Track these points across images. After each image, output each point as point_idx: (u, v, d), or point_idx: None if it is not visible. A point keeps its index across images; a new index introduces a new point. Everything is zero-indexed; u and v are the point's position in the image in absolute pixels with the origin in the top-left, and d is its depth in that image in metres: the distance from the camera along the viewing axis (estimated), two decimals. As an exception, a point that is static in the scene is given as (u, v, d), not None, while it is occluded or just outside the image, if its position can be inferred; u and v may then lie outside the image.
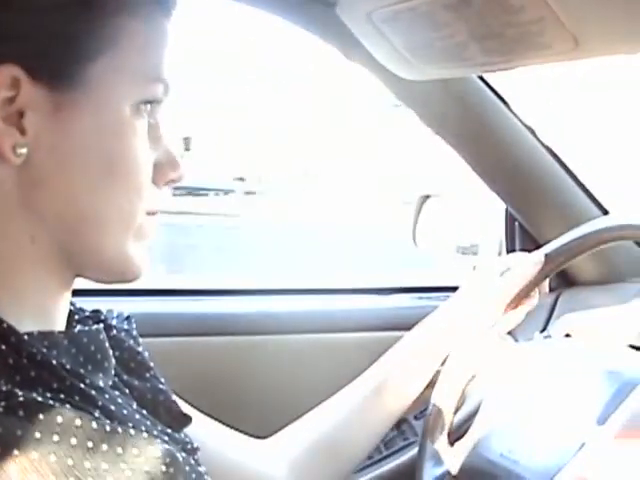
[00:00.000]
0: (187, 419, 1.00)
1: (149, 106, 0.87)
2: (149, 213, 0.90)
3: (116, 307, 1.08)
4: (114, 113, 0.84)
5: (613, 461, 0.90)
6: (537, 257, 1.31)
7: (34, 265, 0.85)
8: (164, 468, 0.77)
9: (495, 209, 1.92)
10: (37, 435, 0.72)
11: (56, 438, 0.73)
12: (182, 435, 0.98)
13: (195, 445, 0.97)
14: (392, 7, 1.15)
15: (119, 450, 0.75)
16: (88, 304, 1.03)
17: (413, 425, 1.82)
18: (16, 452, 0.71)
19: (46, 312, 0.87)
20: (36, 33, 0.81)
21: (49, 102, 0.81)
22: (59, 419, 0.73)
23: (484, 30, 1.07)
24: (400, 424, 1.82)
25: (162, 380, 1.02)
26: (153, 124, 0.89)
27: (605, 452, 0.91)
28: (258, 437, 1.27)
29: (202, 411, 1.16)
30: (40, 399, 0.74)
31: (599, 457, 0.92)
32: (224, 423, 1.22)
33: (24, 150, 0.81)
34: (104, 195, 0.85)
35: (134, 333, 1.03)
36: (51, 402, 0.75)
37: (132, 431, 0.78)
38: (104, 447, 0.74)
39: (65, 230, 0.85)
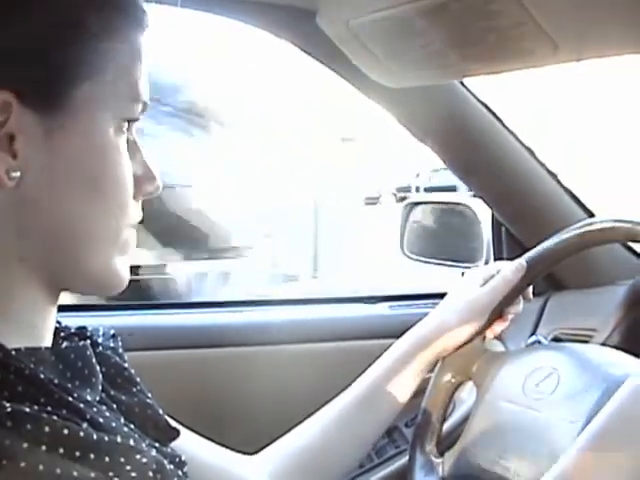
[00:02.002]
0: (175, 432, 1.01)
1: (128, 123, 0.89)
2: (131, 227, 0.92)
3: (104, 321, 1.08)
4: (100, 134, 0.86)
5: (579, 474, 0.90)
6: (519, 264, 1.31)
7: (22, 283, 0.86)
8: (151, 474, 0.79)
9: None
10: (25, 445, 0.72)
11: (44, 448, 0.73)
12: (170, 449, 0.98)
13: (183, 458, 0.98)
14: (371, 15, 1.16)
15: (106, 459, 0.76)
16: (75, 320, 1.03)
17: (404, 433, 1.82)
18: (4, 462, 0.71)
19: (33, 328, 0.87)
20: (26, 59, 0.82)
21: (38, 125, 0.83)
22: (47, 429, 0.74)
23: (463, 36, 1.07)
24: (391, 432, 1.82)
25: (149, 394, 1.02)
26: (131, 140, 0.91)
27: (573, 464, 0.91)
28: (245, 448, 1.27)
29: (189, 423, 1.15)
30: (28, 410, 0.74)
31: (568, 469, 0.91)
32: (211, 435, 1.22)
33: (17, 174, 0.82)
34: (92, 213, 0.86)
35: (120, 350, 1.04)
36: (38, 413, 0.75)
37: (119, 439, 0.78)
38: (91, 456, 0.75)
39: (53, 248, 0.86)
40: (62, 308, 0.94)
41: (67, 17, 0.83)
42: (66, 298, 0.94)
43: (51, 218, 0.85)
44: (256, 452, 1.28)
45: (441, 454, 1.27)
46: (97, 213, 0.86)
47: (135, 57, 0.89)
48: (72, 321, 1.02)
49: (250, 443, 1.31)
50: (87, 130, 0.85)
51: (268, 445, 1.29)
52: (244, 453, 1.26)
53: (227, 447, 1.24)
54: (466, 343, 1.30)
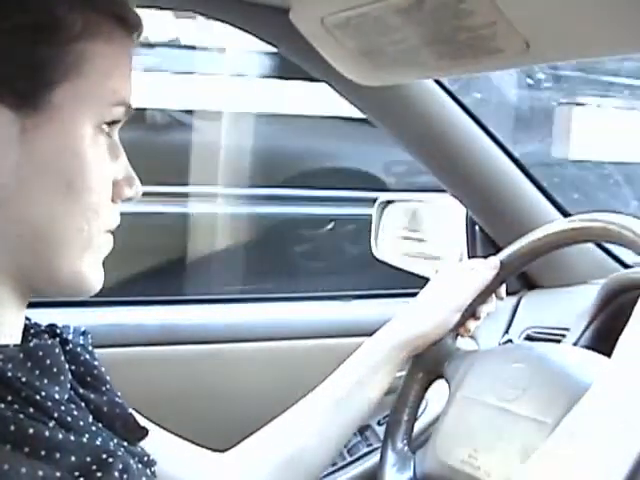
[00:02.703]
0: (143, 432, 1.00)
1: (110, 125, 0.89)
2: (107, 231, 0.91)
3: (75, 318, 1.07)
4: (77, 136, 0.85)
5: (548, 475, 0.91)
6: (493, 262, 1.31)
7: None
8: (117, 474, 0.79)
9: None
10: None
11: (9, 447, 0.74)
12: (139, 448, 0.98)
13: (151, 458, 0.97)
14: (345, 13, 1.16)
15: (72, 458, 0.77)
16: (47, 316, 1.03)
17: (376, 431, 1.82)
18: None
19: (1, 326, 0.87)
20: (2, 59, 0.81)
21: (14, 125, 0.82)
22: (12, 428, 0.75)
23: (436, 34, 1.08)
24: (363, 430, 1.83)
25: (118, 393, 1.02)
26: (112, 142, 0.90)
27: (542, 465, 0.92)
28: (218, 446, 1.26)
29: (161, 421, 1.15)
30: None
31: (537, 469, 0.92)
32: (183, 433, 1.21)
33: None
34: (64, 216, 0.86)
35: (90, 348, 1.03)
36: (4, 412, 0.75)
37: (85, 440, 0.78)
38: (57, 455, 0.76)
39: (24, 250, 0.85)
40: (32, 304, 0.93)
41: (45, 17, 0.83)
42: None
43: (22, 218, 0.84)
44: (228, 449, 1.28)
45: (413, 452, 1.27)
46: (69, 216, 0.86)
47: (119, 60, 0.89)
48: (45, 317, 1.02)
49: (223, 440, 1.31)
50: (63, 131, 0.84)
51: (241, 442, 1.29)
52: (216, 451, 1.26)
53: (199, 444, 1.24)
54: (438, 341, 1.30)
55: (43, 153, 0.83)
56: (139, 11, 0.92)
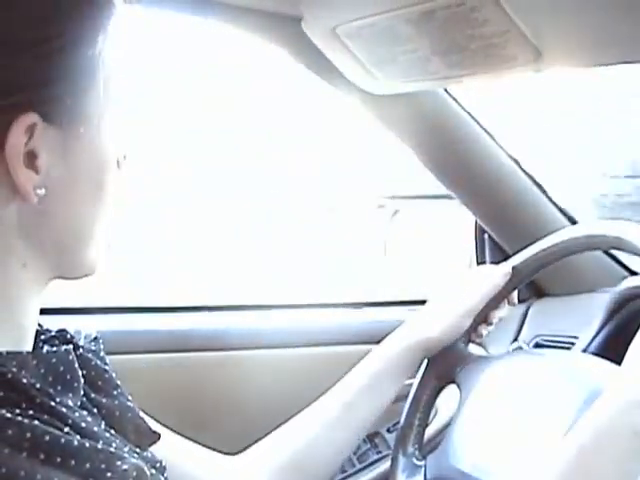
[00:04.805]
0: (155, 436, 1.00)
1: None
2: None
3: (87, 325, 1.08)
4: (103, 138, 0.87)
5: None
6: (505, 269, 1.31)
7: (20, 289, 0.86)
8: None
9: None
10: (6, 451, 0.72)
11: (25, 454, 0.73)
12: (150, 453, 0.98)
13: (164, 463, 0.97)
14: (356, 22, 1.16)
15: (87, 465, 0.76)
16: (58, 323, 1.03)
17: (386, 438, 1.82)
18: None
19: (18, 331, 0.87)
20: (52, 79, 0.82)
21: (59, 141, 0.83)
22: (28, 435, 0.74)
23: (447, 44, 1.08)
24: (373, 437, 1.82)
25: (129, 398, 1.02)
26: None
27: (552, 474, 0.92)
28: (230, 452, 1.27)
29: (173, 427, 1.15)
30: (9, 415, 0.74)
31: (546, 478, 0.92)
32: (195, 439, 1.22)
33: (42, 191, 0.82)
34: (96, 217, 0.89)
35: (101, 354, 1.03)
36: (20, 418, 0.75)
37: (100, 446, 0.78)
38: (72, 462, 0.75)
39: (58, 252, 0.87)
40: (43, 311, 0.94)
41: (82, 35, 0.83)
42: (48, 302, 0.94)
43: (60, 225, 0.86)
44: (239, 454, 1.28)
45: (424, 457, 1.28)
46: (99, 215, 0.89)
47: (114, 54, 0.89)
48: (57, 324, 1.02)
49: (234, 445, 1.31)
50: (94, 137, 0.86)
51: (250, 446, 1.29)
52: (226, 454, 1.26)
53: (209, 449, 1.24)
54: (450, 346, 1.30)
55: (83, 164, 0.85)
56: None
